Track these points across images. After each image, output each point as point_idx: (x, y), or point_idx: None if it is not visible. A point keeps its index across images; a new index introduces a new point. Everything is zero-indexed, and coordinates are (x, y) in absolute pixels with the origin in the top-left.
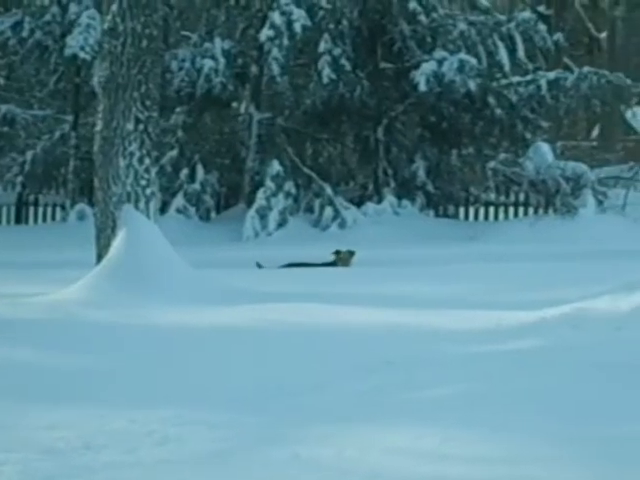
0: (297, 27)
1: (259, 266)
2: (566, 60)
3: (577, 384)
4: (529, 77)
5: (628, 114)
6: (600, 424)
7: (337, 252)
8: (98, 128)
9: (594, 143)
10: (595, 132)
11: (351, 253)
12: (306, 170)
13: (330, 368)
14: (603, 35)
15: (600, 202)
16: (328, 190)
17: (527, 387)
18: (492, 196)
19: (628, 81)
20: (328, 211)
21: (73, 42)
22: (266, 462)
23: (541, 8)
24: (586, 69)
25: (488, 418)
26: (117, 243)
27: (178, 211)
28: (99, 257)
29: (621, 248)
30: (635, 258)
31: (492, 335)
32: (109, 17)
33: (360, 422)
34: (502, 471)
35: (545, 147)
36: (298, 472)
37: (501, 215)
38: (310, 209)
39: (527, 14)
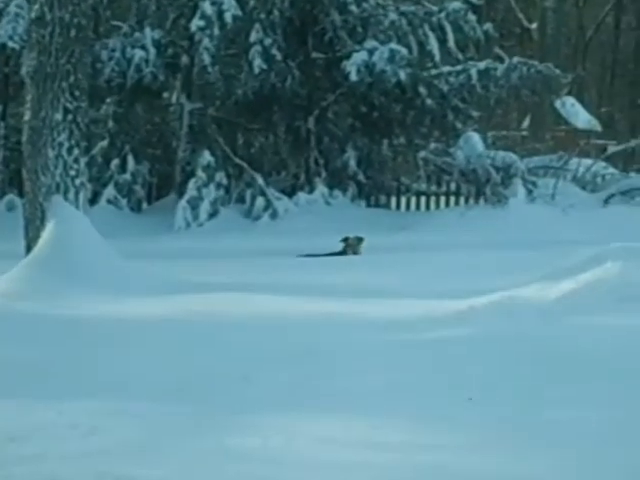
0: (228, 17)
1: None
2: (497, 50)
3: (504, 372)
4: (460, 67)
5: (558, 104)
6: (526, 411)
7: (345, 239)
8: (26, 118)
9: (525, 133)
10: (526, 122)
11: (359, 239)
12: (237, 160)
13: (258, 358)
14: (534, 26)
15: (530, 191)
16: (260, 180)
17: (454, 375)
18: (423, 186)
19: (557, 71)
20: (260, 201)
21: (1, 31)
22: (192, 452)
23: None
24: (516, 59)
25: (415, 406)
26: (46, 234)
27: (109, 202)
28: (28, 248)
29: (550, 237)
30: (564, 247)
31: (421, 324)
32: (37, 6)
33: (287, 411)
34: (427, 458)
35: (475, 137)
36: (223, 461)
37: (432, 205)
38: (241, 199)
39: (457, 4)
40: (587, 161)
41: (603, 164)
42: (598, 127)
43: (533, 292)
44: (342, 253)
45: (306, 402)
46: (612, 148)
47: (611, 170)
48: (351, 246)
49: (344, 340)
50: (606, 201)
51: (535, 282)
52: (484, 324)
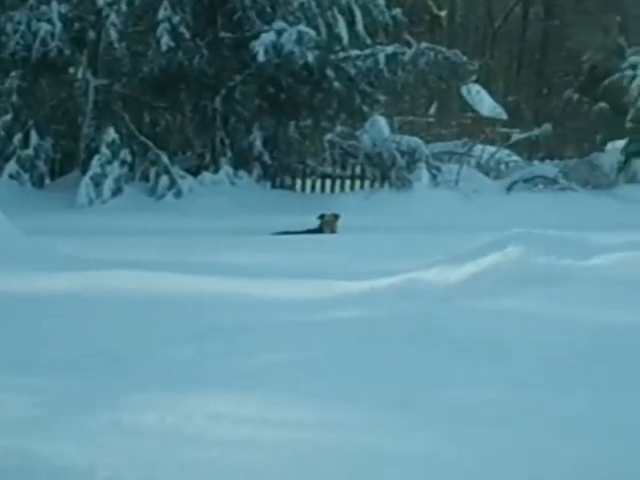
0: None
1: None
2: (407, 36)
3: (403, 353)
4: (368, 51)
5: (464, 91)
6: (423, 390)
7: (322, 216)
8: None
9: (432, 119)
10: (433, 108)
11: (335, 216)
12: (143, 138)
13: (159, 335)
14: (443, 13)
15: (434, 176)
16: (164, 159)
17: (353, 355)
18: (329, 168)
19: (465, 58)
20: (164, 180)
21: None
22: (86, 428)
23: None
24: (424, 45)
25: (312, 385)
26: None
27: (11, 177)
28: None
29: (452, 222)
30: (465, 231)
31: (322, 304)
32: None
33: (184, 389)
34: (322, 436)
35: (382, 121)
36: (118, 438)
37: (337, 187)
38: (146, 178)
39: None
40: (491, 148)
41: (507, 151)
42: (503, 115)
43: (434, 275)
44: (319, 231)
45: (205, 379)
46: (516, 136)
47: (515, 157)
48: (328, 223)
49: (246, 319)
50: (509, 188)
51: (436, 265)
52: (385, 305)
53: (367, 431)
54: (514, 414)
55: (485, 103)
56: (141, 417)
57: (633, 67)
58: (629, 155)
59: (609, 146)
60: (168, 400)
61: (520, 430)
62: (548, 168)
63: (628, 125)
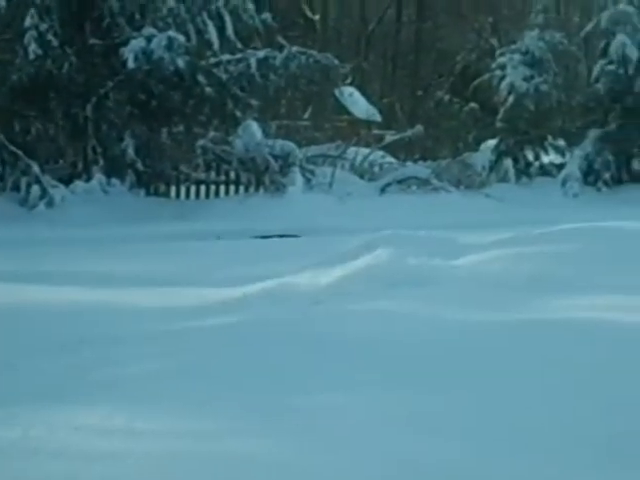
0: (1, 1)
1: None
2: (281, 40)
3: (273, 357)
4: (239, 56)
5: (337, 94)
6: (292, 395)
7: None
8: None
9: (307, 122)
10: (309, 111)
11: None
12: (13, 148)
13: (26, 347)
14: (317, 17)
15: (308, 180)
16: (35, 168)
17: (223, 362)
18: (203, 174)
19: (336, 61)
20: (35, 190)
21: None
22: None
23: None
24: (295, 49)
25: (181, 394)
26: None
27: None
28: None
29: (327, 225)
30: (339, 234)
31: (194, 312)
32: None
33: (50, 402)
34: (185, 444)
35: (254, 125)
36: None
37: (212, 193)
38: (16, 188)
39: None
40: (365, 150)
41: (381, 153)
42: (378, 117)
43: (305, 279)
44: None
45: (70, 392)
46: (389, 137)
47: (389, 159)
48: None
49: (117, 330)
50: (383, 190)
51: (308, 269)
52: (256, 311)
53: (234, 438)
54: (383, 416)
55: (359, 105)
56: (5, 432)
57: (502, 67)
58: (500, 154)
59: (483, 146)
60: (33, 413)
61: (388, 432)
62: (421, 169)
63: (498, 125)
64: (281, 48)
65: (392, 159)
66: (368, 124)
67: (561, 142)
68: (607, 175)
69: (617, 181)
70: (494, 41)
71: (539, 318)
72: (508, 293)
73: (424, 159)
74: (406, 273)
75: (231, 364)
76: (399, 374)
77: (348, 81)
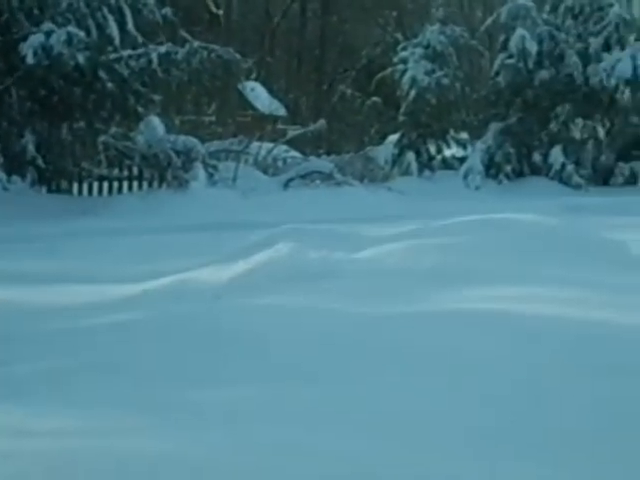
0: None
1: None
2: (185, 35)
3: (171, 354)
4: (141, 50)
5: (241, 88)
6: (186, 391)
7: None
8: None
9: (212, 118)
10: (214, 106)
11: None
12: None
13: None
14: (221, 11)
15: (211, 175)
16: None
17: (117, 360)
18: (105, 170)
19: (238, 56)
20: None
21: None
22: None
23: None
24: (197, 44)
25: (73, 392)
26: None
27: None
28: None
29: (230, 220)
30: (242, 229)
31: (94, 309)
32: None
33: None
34: (82, 443)
35: (156, 121)
36: None
37: (115, 189)
38: None
39: None
40: (269, 145)
41: (285, 148)
42: (282, 112)
43: (207, 274)
44: None
45: None
46: (291, 132)
47: (293, 154)
48: None
49: (11, 329)
50: (286, 184)
51: (210, 264)
52: (158, 307)
53: (128, 435)
54: (280, 410)
55: (261, 100)
56: None
57: (404, 61)
58: (403, 148)
59: (387, 140)
60: None
61: (285, 426)
62: (324, 163)
63: (401, 118)
64: (184, 43)
65: (296, 154)
66: (274, 119)
67: (463, 135)
68: (508, 168)
69: (518, 173)
70: (399, 35)
71: (440, 310)
72: (409, 285)
73: (330, 153)
74: (307, 267)
75: (130, 361)
76: (298, 368)
77: (253, 76)
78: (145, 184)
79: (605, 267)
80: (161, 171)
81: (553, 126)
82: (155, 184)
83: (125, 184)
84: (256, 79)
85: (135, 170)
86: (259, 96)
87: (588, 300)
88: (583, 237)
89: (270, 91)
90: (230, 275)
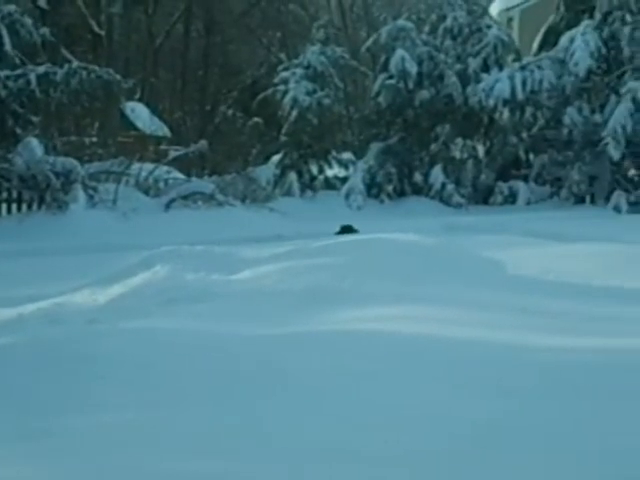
0: None
1: None
2: (67, 55)
3: (43, 379)
4: (19, 71)
5: (124, 109)
6: (60, 417)
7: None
8: None
9: (95, 139)
10: (96, 127)
11: None
12: None
13: None
14: (104, 32)
15: (91, 197)
16: None
17: None
18: None
19: (118, 77)
20: None
21: None
22: None
23: (41, 2)
24: (76, 64)
25: None
26: None
27: None
28: None
29: (110, 242)
30: (122, 251)
31: None
32: None
33: None
34: None
35: (34, 142)
36: None
37: None
38: None
39: (12, 7)
40: (150, 166)
41: (166, 168)
42: (165, 132)
43: (84, 297)
44: None
45: None
46: (173, 153)
47: (176, 174)
48: None
49: None
50: (167, 205)
51: (88, 287)
52: (33, 331)
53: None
54: (146, 435)
55: (142, 120)
56: None
57: (285, 82)
58: (284, 168)
59: (273, 160)
60: None
61: (151, 451)
62: (205, 184)
63: (282, 139)
64: (63, 64)
65: (178, 174)
66: (157, 139)
67: (345, 155)
68: (390, 187)
69: (400, 193)
70: (282, 55)
71: (315, 330)
72: (285, 306)
73: (214, 174)
74: (184, 289)
75: (2, 386)
76: (173, 392)
77: (136, 96)
78: (24, 206)
79: (481, 286)
80: (40, 193)
81: (434, 146)
82: (35, 206)
83: (4, 207)
84: (139, 99)
85: (14, 192)
86: (140, 116)
87: (461, 319)
88: (461, 256)
89: (154, 111)
90: (106, 298)
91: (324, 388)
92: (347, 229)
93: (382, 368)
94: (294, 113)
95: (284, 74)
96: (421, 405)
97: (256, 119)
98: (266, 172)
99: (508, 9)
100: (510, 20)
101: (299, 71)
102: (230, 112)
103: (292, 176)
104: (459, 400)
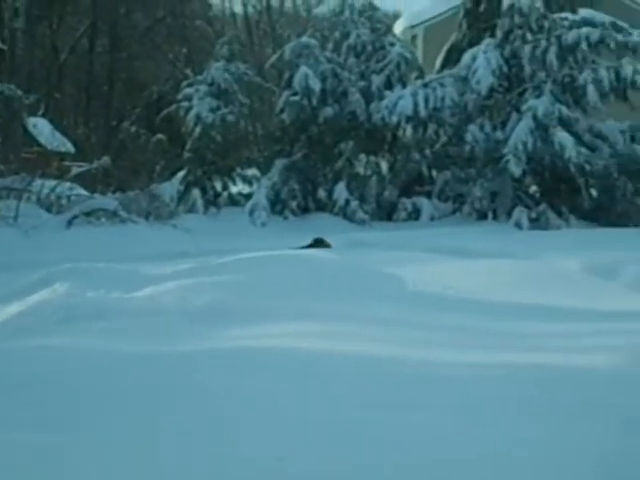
0: None
1: None
2: None
3: None
4: None
5: (27, 125)
6: None
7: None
8: None
9: None
10: None
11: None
12: None
13: None
14: (6, 47)
15: None
16: None
17: None
18: None
19: (20, 92)
20: None
21: None
22: None
23: None
24: None
25: None
26: None
27: None
28: None
29: (12, 259)
30: (23, 269)
31: None
32: None
33: None
34: None
35: None
36: None
37: None
38: None
39: None
40: (52, 182)
41: (69, 185)
42: (68, 147)
43: None
44: None
45: None
46: (75, 169)
47: (79, 191)
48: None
49: None
50: (69, 222)
51: None
52: None
53: None
54: (34, 457)
55: (46, 136)
56: None
57: (188, 98)
58: (188, 185)
59: (178, 176)
60: None
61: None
62: (108, 201)
63: (186, 155)
64: None
65: (82, 191)
66: (61, 155)
67: (249, 172)
68: (294, 204)
69: (304, 209)
70: (189, 72)
71: (214, 348)
72: (185, 324)
73: (119, 190)
74: (83, 307)
75: None
76: (68, 413)
77: (40, 112)
78: None
79: (382, 302)
80: None
81: (338, 162)
82: None
83: None
84: (43, 114)
85: None
86: (42, 132)
87: (361, 335)
88: (363, 272)
89: (57, 127)
90: (5, 316)
91: (214, 407)
92: (319, 243)
93: (276, 386)
94: (198, 130)
95: (188, 90)
96: (316, 421)
97: (160, 135)
98: (170, 189)
99: (412, 27)
100: (414, 38)
101: (203, 87)
102: (134, 128)
103: (196, 193)
104: (355, 415)
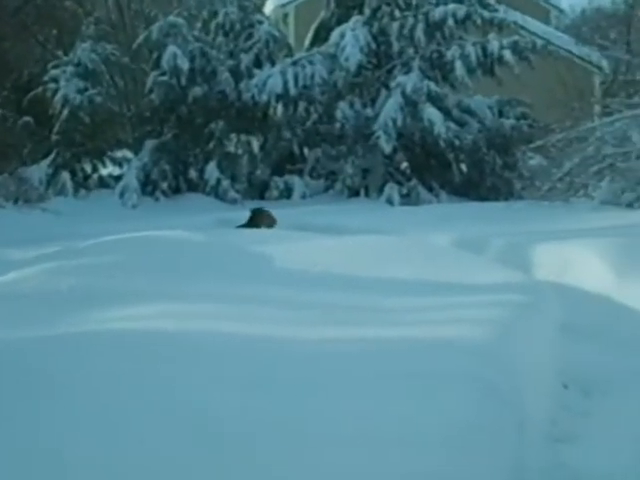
0: None
1: None
2: None
3: None
4: None
5: None
6: None
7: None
8: None
9: None
10: None
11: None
12: None
13: None
14: None
15: None
16: None
17: None
18: None
19: None
20: None
21: None
22: None
23: None
24: None
25: None
26: None
27: None
28: None
29: None
30: None
31: None
32: None
33: None
34: None
35: None
36: None
37: None
38: None
39: None
40: None
41: None
42: None
43: None
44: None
45: None
46: None
47: None
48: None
49: None
50: None
51: None
52: None
53: None
54: None
55: None
56: None
57: (55, 80)
58: (57, 168)
59: (48, 159)
60: None
61: None
62: None
63: (54, 138)
64: None
65: None
66: None
67: (119, 154)
68: (165, 185)
69: (175, 190)
70: (60, 53)
71: (80, 332)
72: (49, 308)
73: None
74: None
75: None
76: None
77: None
78: None
79: (248, 280)
80: None
81: (208, 142)
82: None
83: None
84: None
85: None
86: None
87: (223, 314)
88: (229, 252)
89: None
90: None
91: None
92: (258, 213)
93: (132, 367)
94: (65, 112)
95: (54, 72)
96: (165, 399)
97: (27, 118)
98: (38, 172)
99: (283, 5)
100: (286, 16)
101: (70, 69)
102: (0, 111)
103: (65, 175)
104: (208, 395)
